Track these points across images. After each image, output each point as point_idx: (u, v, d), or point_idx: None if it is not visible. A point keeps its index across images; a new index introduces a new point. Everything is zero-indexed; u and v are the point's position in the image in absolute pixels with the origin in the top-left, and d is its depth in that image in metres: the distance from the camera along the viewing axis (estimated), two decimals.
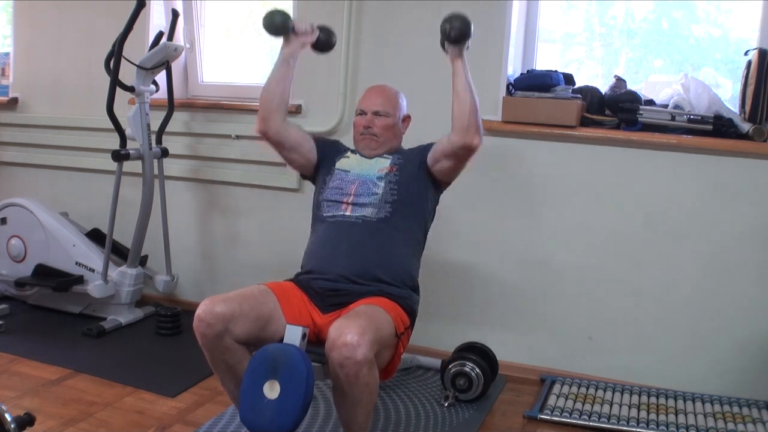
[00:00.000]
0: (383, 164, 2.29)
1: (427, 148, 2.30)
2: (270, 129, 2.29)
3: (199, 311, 1.87)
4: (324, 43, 2.34)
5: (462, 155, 2.19)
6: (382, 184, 2.24)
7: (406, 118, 2.40)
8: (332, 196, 2.26)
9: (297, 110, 3.12)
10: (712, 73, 2.88)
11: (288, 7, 3.22)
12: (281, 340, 1.88)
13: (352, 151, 2.39)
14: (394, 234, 2.18)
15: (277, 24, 2.22)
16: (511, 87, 2.82)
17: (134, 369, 2.76)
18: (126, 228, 3.28)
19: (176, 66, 3.40)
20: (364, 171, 2.28)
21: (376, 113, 2.31)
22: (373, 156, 2.32)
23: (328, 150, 2.39)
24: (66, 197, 3.68)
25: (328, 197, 2.27)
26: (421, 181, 2.27)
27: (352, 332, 1.74)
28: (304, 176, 2.46)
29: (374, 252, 2.13)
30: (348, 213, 2.20)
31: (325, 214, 2.25)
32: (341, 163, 2.33)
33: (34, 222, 3.32)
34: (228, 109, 3.31)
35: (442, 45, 2.18)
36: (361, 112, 2.33)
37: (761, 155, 2.50)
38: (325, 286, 2.09)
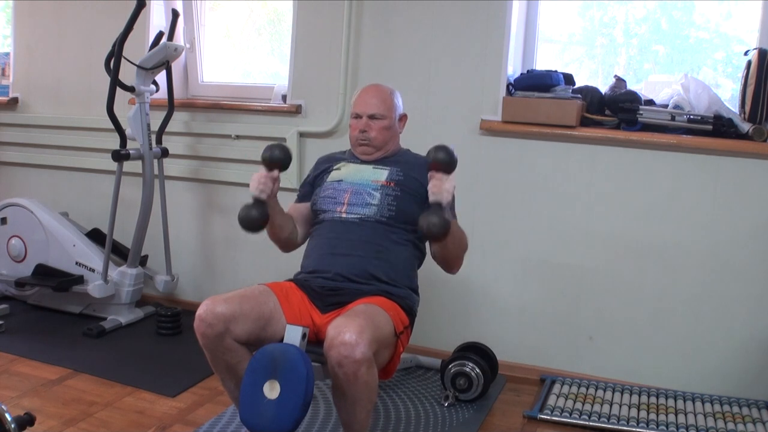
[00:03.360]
0: (379, 175, 2.23)
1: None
2: (295, 249, 2.33)
3: (199, 311, 1.87)
4: (285, 163, 2.10)
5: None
6: (378, 195, 2.19)
7: (403, 117, 2.35)
8: (325, 205, 2.23)
9: (297, 110, 3.12)
10: (712, 73, 2.88)
11: (288, 8, 3.24)
12: (281, 340, 1.88)
13: (346, 159, 2.35)
14: (392, 235, 2.17)
15: (256, 220, 2.05)
16: (511, 87, 2.82)
17: (134, 369, 2.76)
18: (126, 228, 3.28)
19: (176, 66, 3.41)
20: (357, 179, 2.23)
21: (371, 116, 2.24)
22: (369, 160, 2.29)
23: (316, 181, 2.35)
24: (66, 197, 3.68)
25: (321, 206, 2.25)
26: (419, 209, 2.18)
27: (351, 331, 1.74)
28: None
29: (373, 251, 2.13)
30: (344, 216, 2.19)
31: (321, 217, 2.25)
32: (332, 175, 2.29)
33: (34, 222, 3.32)
34: (228, 109, 3.31)
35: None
36: (357, 116, 2.27)
37: (761, 155, 2.50)
38: (325, 285, 2.09)
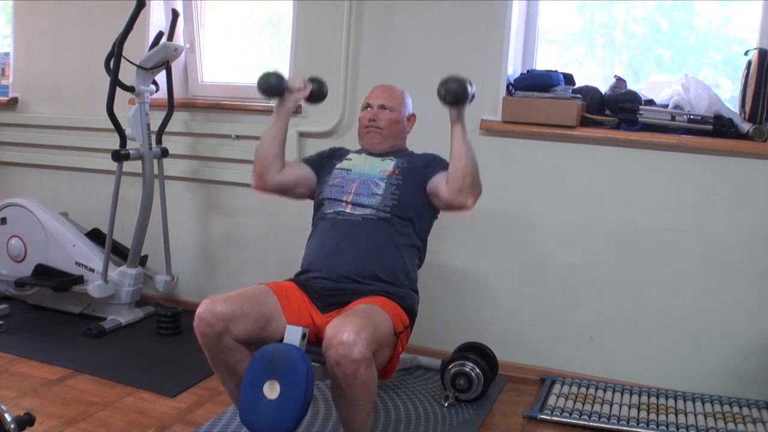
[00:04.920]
0: (387, 165, 2.28)
1: (433, 164, 2.28)
2: (267, 184, 2.32)
3: (199, 311, 1.87)
4: (317, 95, 2.34)
5: (452, 209, 2.20)
6: (383, 184, 2.22)
7: (411, 117, 2.41)
8: (332, 194, 2.26)
9: (297, 110, 3.11)
10: (712, 73, 2.88)
11: (288, 8, 3.24)
12: (282, 340, 1.88)
13: (356, 152, 2.40)
14: (394, 234, 2.18)
15: (272, 85, 2.22)
16: (511, 87, 2.82)
17: (134, 369, 2.76)
18: (126, 228, 3.28)
19: (176, 66, 3.41)
20: (365, 170, 2.28)
21: (381, 107, 2.32)
22: (377, 152, 2.33)
23: (326, 160, 2.39)
24: (66, 197, 3.68)
25: (327, 195, 2.27)
26: (422, 196, 2.25)
27: (349, 330, 1.74)
28: (310, 198, 2.43)
29: (374, 250, 2.13)
30: (348, 210, 2.20)
31: (325, 211, 2.25)
32: (342, 164, 2.34)
33: (34, 222, 3.32)
34: (228, 109, 3.31)
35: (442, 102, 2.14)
36: (367, 106, 2.35)
37: (761, 155, 2.50)
38: (325, 286, 2.09)
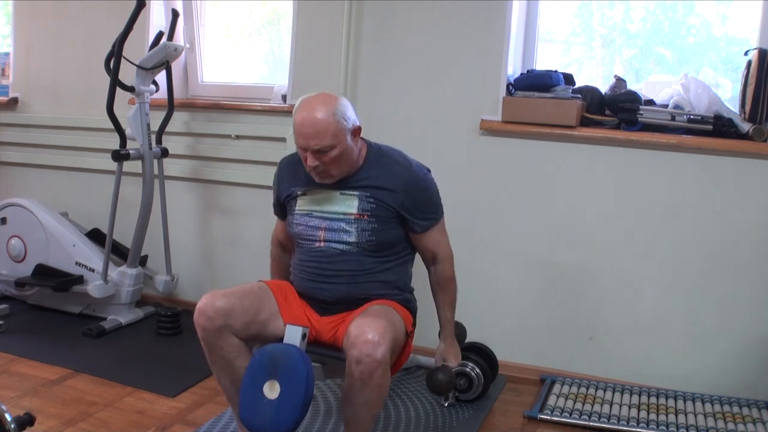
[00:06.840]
0: (349, 205, 2.00)
1: (413, 211, 2.02)
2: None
3: (200, 304, 1.88)
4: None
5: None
6: (353, 230, 2.00)
7: (357, 131, 1.98)
8: (300, 240, 2.08)
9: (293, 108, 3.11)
10: (712, 73, 2.88)
11: (288, 8, 3.24)
12: (280, 339, 1.88)
13: (308, 180, 2.06)
14: (378, 262, 2.04)
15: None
16: (511, 87, 2.82)
17: (134, 369, 2.76)
18: (126, 228, 3.28)
19: (176, 66, 3.41)
20: (327, 210, 2.03)
21: (317, 151, 1.92)
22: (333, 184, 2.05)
23: (283, 195, 2.14)
24: (66, 197, 3.68)
25: (297, 236, 2.09)
26: (400, 229, 2.05)
27: (374, 331, 1.75)
28: None
29: (360, 280, 2.02)
30: (323, 246, 2.03)
31: (302, 245, 2.10)
32: (299, 205, 2.07)
33: (34, 222, 3.32)
34: (228, 109, 3.31)
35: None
36: (302, 149, 1.95)
37: (761, 155, 2.50)
38: (321, 299, 2.06)
